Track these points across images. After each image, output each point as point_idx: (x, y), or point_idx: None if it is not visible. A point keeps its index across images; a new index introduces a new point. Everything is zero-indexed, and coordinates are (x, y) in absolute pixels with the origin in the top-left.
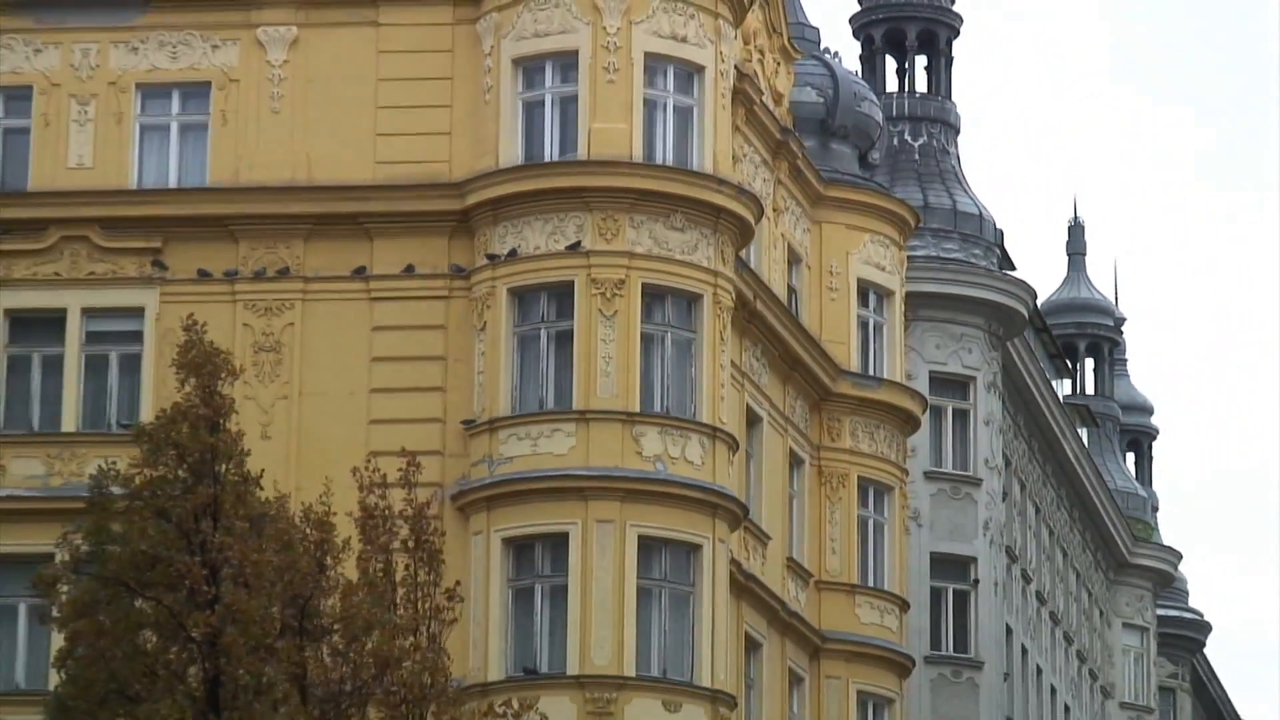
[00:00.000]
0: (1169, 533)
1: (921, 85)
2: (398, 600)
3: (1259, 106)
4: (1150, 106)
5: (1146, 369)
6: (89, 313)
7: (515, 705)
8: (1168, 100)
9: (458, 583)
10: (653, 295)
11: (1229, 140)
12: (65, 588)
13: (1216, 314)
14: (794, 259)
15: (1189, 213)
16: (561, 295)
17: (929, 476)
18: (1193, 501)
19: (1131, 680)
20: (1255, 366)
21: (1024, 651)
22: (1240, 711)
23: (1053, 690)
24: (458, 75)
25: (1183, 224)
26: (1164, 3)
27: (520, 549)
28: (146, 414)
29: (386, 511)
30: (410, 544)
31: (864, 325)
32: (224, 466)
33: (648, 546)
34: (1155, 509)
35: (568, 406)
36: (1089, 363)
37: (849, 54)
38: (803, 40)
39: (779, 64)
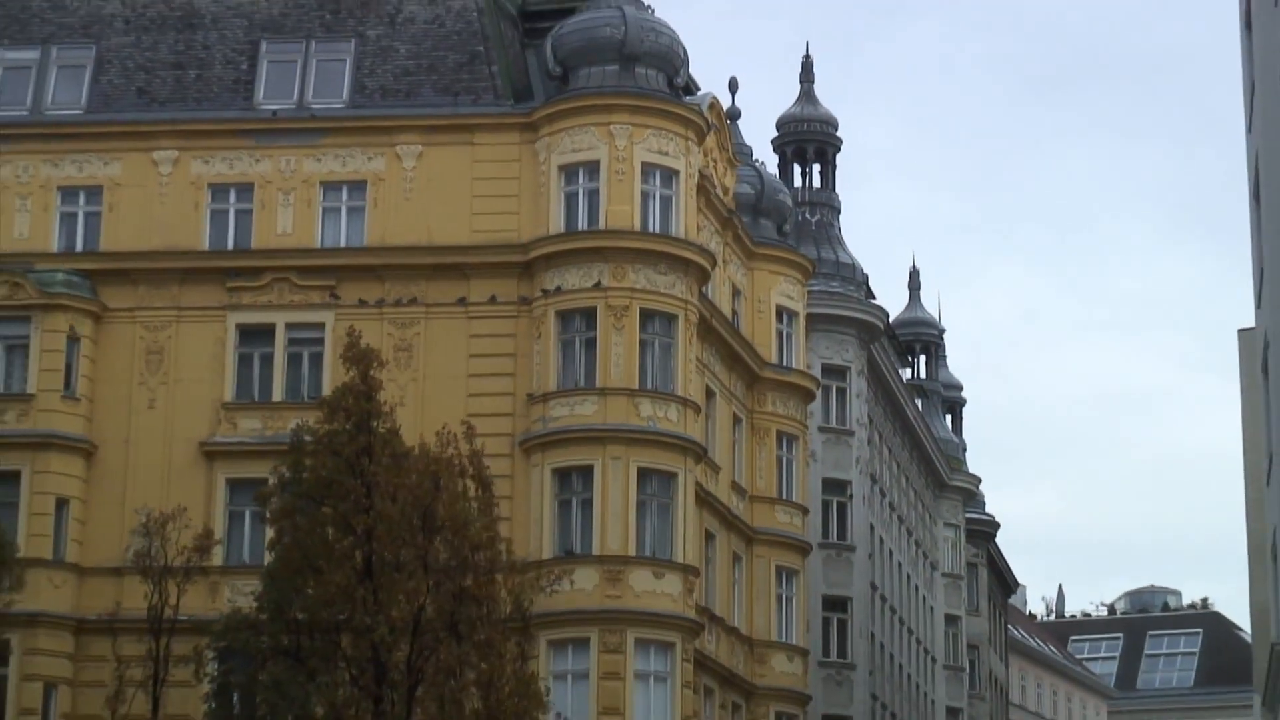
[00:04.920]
0: (973, 465)
1: (817, 182)
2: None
3: (1031, 197)
4: (958, 196)
5: (959, 361)
6: (290, 326)
7: (556, 573)
8: (976, 192)
9: (497, 502)
10: (646, 316)
11: (1012, 219)
12: (275, 500)
13: (1006, 327)
14: (736, 293)
15: (988, 261)
16: (589, 316)
17: (821, 430)
18: (988, 445)
19: (949, 558)
20: (1030, 358)
21: (881, 540)
22: (1018, 578)
23: (900, 565)
24: (523, 176)
25: (984, 270)
26: (971, 122)
27: (563, 476)
28: (326, 389)
29: (456, 454)
30: (472, 474)
31: (780, 335)
32: (376, 423)
33: (643, 474)
34: (964, 450)
35: (593, 385)
36: (922, 358)
37: (771, 162)
38: (741, 153)
39: (726, 168)
